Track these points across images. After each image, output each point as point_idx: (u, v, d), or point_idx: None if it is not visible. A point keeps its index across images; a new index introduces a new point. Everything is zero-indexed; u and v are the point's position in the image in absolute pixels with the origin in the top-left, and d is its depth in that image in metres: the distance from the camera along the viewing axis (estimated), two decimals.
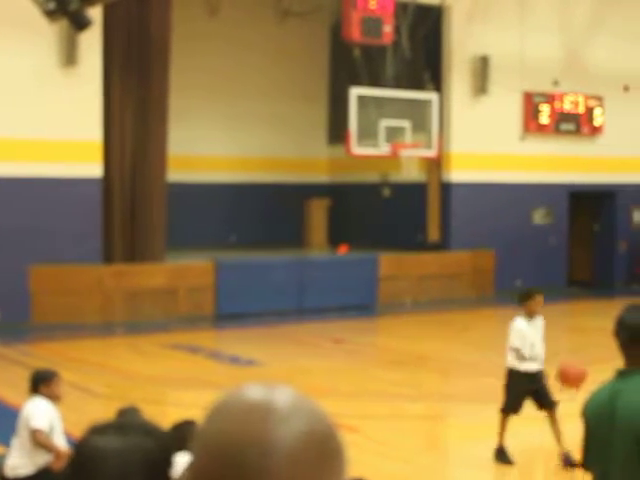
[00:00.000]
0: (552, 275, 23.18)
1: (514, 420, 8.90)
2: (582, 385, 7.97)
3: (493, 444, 8.84)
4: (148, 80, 18.69)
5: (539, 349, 8.76)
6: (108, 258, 18.24)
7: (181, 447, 3.19)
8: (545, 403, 8.73)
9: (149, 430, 2.00)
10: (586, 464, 3.65)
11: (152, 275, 18.16)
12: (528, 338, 8.66)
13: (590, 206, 24.61)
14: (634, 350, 3.54)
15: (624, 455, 3.46)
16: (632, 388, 3.50)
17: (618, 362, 3.72)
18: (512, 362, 8.81)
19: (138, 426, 2.00)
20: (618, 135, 24.22)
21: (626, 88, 24.48)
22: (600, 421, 3.57)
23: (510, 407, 8.83)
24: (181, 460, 3.03)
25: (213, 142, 24.37)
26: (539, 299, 8.75)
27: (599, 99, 23.86)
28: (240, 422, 1.31)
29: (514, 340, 8.73)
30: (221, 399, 1.37)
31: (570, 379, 8.23)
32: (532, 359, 8.70)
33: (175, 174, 20.79)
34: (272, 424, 1.30)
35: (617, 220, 24.56)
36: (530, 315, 8.73)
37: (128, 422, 2.08)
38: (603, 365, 13.08)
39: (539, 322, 8.85)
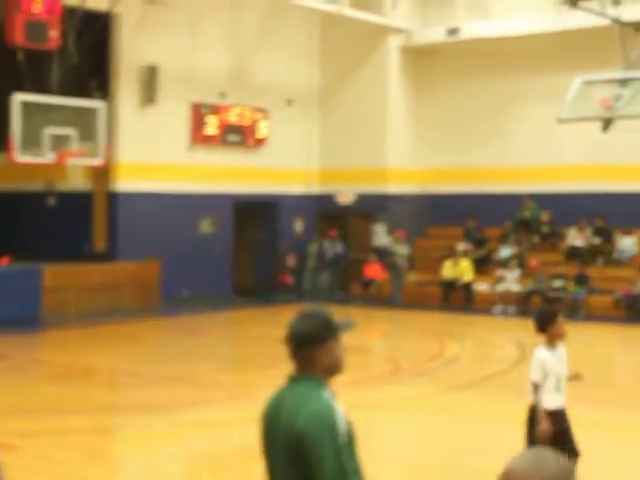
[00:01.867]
0: (218, 284, 23.59)
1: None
2: None
3: (163, 454, 8.80)
4: None
5: (564, 384, 7.28)
6: None
7: None
8: (566, 450, 7.00)
9: None
10: (266, 470, 3.72)
11: None
12: (553, 371, 7.15)
13: (255, 216, 25.30)
14: (301, 356, 3.66)
15: (283, 463, 3.57)
16: (293, 394, 3.61)
17: (284, 368, 3.84)
18: (536, 398, 7.18)
19: None
20: (281, 147, 25.13)
21: (289, 102, 25.46)
22: (269, 427, 3.66)
23: None
24: None
25: None
26: (562, 321, 7.19)
27: (264, 112, 24.62)
28: None
29: (533, 372, 7.17)
30: None
31: None
32: (558, 393, 7.21)
33: None
34: None
35: (280, 230, 25.44)
36: (553, 342, 7.17)
37: None
38: (267, 371, 13.50)
39: (561, 351, 7.27)
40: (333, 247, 24.92)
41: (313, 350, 3.63)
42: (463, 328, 19.96)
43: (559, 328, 7.07)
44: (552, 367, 7.10)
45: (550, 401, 7.13)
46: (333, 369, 3.68)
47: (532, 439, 7.16)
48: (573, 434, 7.24)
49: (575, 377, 7.42)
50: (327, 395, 3.58)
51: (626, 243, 22.62)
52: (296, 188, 25.85)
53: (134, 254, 21.77)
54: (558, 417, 7.14)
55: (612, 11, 19.19)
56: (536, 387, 7.09)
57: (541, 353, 7.13)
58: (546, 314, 7.16)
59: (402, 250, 23.89)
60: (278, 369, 3.98)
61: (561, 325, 7.08)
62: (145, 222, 22.10)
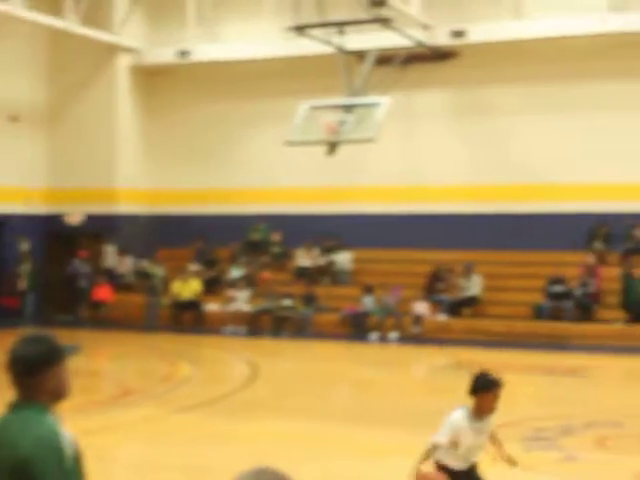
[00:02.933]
0: None
1: None
2: None
3: None
4: None
5: (475, 455, 6.42)
6: None
7: None
8: None
9: None
10: None
11: None
12: (465, 443, 6.26)
13: None
14: (23, 382, 3.55)
15: None
16: (15, 422, 3.51)
17: (5, 395, 3.70)
18: (439, 456, 6.34)
19: None
20: (5, 165, 24.19)
21: (13, 118, 24.54)
22: None
23: None
24: None
25: None
26: (497, 396, 6.26)
27: None
28: None
29: (442, 434, 6.28)
30: None
31: None
32: (465, 462, 6.37)
33: None
34: None
35: (5, 251, 24.41)
36: (479, 413, 6.26)
37: None
38: None
39: (490, 421, 6.39)
40: (84, 268, 24.22)
41: (37, 376, 3.54)
42: (194, 349, 19.99)
43: (490, 401, 6.22)
44: (466, 439, 6.25)
45: (454, 464, 6.31)
46: (58, 394, 3.60)
47: None
48: None
49: (509, 461, 6.55)
50: (51, 420, 3.51)
51: (338, 260, 23.49)
52: (22, 207, 24.94)
53: None
54: (463, 474, 6.36)
55: (337, 40, 19.95)
56: (435, 448, 6.28)
57: (458, 422, 6.24)
58: (482, 380, 6.25)
59: (159, 272, 23.53)
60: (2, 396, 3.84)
61: (493, 399, 6.21)
62: None
